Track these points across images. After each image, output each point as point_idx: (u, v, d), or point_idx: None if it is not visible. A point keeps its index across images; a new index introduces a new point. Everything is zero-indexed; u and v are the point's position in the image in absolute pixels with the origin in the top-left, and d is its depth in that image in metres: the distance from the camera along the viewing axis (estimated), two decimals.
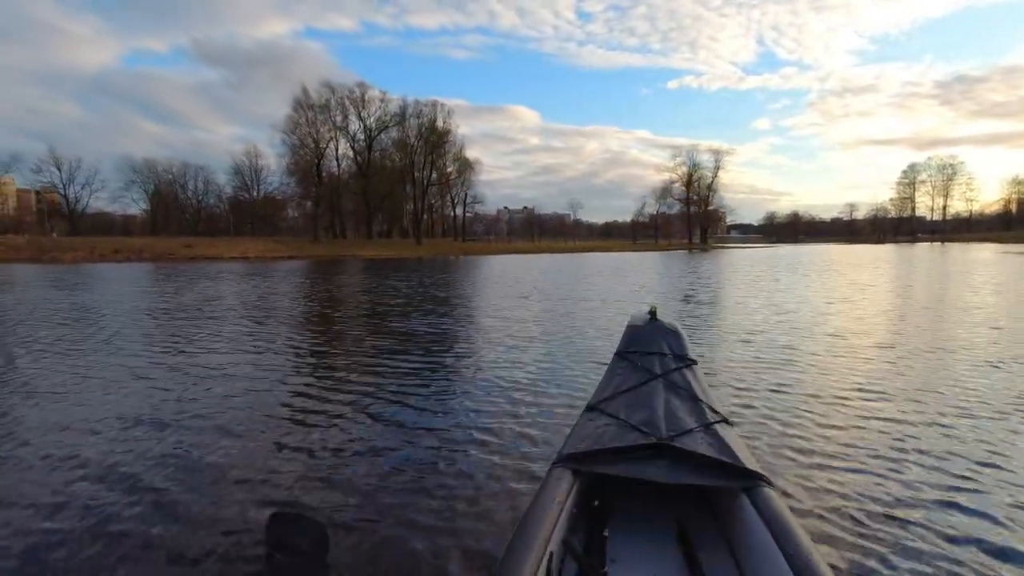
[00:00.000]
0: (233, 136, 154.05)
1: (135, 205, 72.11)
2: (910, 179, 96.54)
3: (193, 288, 15.61)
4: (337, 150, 67.10)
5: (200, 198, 75.93)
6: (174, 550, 2.30)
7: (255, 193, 72.73)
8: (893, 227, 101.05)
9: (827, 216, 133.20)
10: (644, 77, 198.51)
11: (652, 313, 2.92)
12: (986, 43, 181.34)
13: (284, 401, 4.44)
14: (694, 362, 2.56)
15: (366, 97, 67.14)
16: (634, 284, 15.68)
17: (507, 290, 14.47)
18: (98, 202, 70.90)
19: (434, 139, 69.07)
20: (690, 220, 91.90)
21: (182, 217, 73.25)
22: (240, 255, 44.59)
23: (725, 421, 2.10)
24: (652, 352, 2.59)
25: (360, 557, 2.22)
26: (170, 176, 72.39)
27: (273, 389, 4.78)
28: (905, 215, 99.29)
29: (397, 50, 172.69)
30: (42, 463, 3.21)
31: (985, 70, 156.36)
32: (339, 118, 65.83)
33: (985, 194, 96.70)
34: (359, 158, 68.53)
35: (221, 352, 6.39)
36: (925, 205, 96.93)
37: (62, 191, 65.02)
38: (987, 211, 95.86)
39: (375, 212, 71.85)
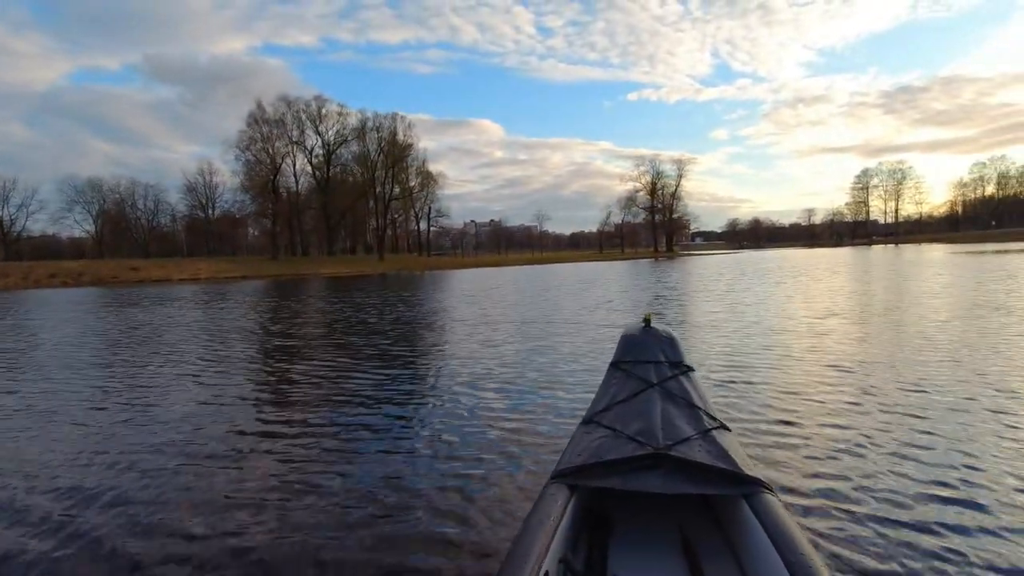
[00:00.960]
0: (192, 154, 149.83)
1: (78, 227, 68.43)
2: (863, 183, 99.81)
3: (119, 314, 14.02)
4: (295, 165, 65.18)
5: (150, 218, 72.67)
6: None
7: (210, 212, 70.00)
8: (850, 231, 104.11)
9: (786, 222, 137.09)
10: (605, 90, 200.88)
11: (646, 321, 2.81)
12: (926, 55, 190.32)
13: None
14: (691, 368, 2.50)
15: (323, 111, 65.61)
16: (596, 299, 14.60)
17: (453, 314, 13.35)
18: (37, 224, 67.12)
19: (395, 152, 67.61)
20: (655, 228, 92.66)
21: (131, 238, 69.75)
22: (191, 276, 42.36)
23: (723, 427, 2.06)
24: (647, 361, 2.53)
25: None
26: (117, 196, 69.04)
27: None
28: (860, 219, 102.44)
29: (360, 65, 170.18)
30: None
31: (926, 81, 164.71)
32: (295, 133, 64.02)
33: (932, 197, 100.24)
34: (317, 173, 66.64)
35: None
36: (878, 209, 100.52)
37: None
38: (935, 213, 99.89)
39: (337, 228, 69.91)
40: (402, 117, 69.07)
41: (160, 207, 72.29)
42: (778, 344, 6.68)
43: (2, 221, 61.07)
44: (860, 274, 19.23)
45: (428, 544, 2.35)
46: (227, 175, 65.95)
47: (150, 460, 3.49)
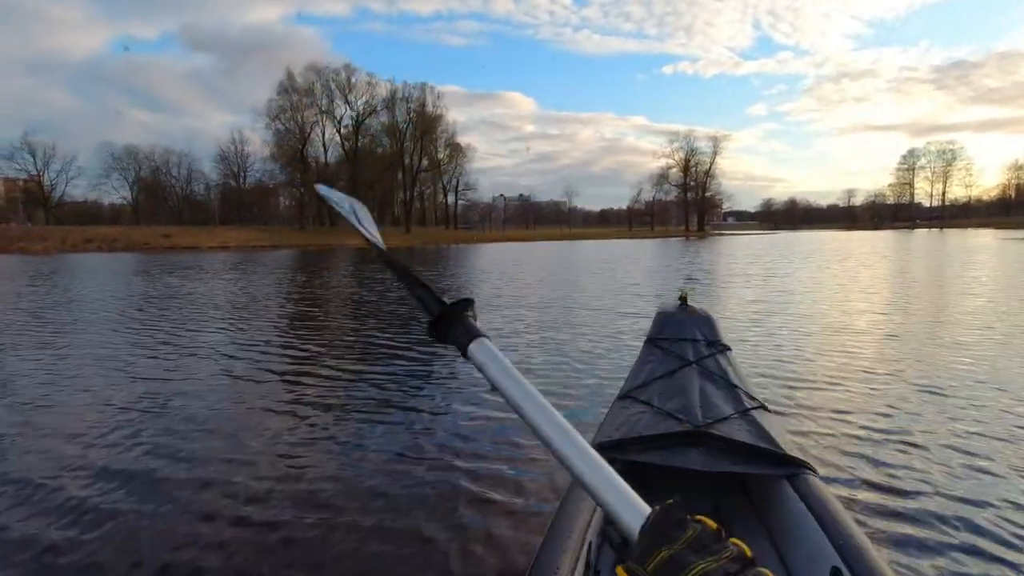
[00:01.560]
0: (226, 124, 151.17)
1: (115, 193, 69.80)
2: (909, 164, 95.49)
3: (154, 279, 14.00)
4: (324, 135, 64.94)
5: (184, 186, 73.64)
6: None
7: (241, 181, 70.51)
8: (891, 213, 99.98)
9: (824, 203, 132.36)
10: (640, 63, 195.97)
11: (683, 299, 2.76)
12: (982, 28, 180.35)
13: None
14: (728, 348, 2.44)
15: (353, 80, 64.90)
16: (621, 282, 13.81)
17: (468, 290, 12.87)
18: (77, 190, 68.72)
19: (424, 123, 66.79)
20: (687, 206, 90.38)
21: (167, 206, 70.90)
22: (220, 245, 42.84)
23: (763, 407, 2.03)
24: (684, 338, 2.47)
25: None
26: (152, 163, 70.04)
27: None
28: (904, 201, 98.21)
29: (391, 36, 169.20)
30: None
31: (981, 55, 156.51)
32: (325, 102, 63.61)
33: (983, 180, 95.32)
34: (346, 144, 66.37)
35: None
36: (924, 191, 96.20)
37: (37, 178, 62.45)
38: (984, 197, 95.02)
39: (365, 200, 69.36)
40: (431, 88, 68.15)
41: (193, 175, 73.17)
42: (834, 347, 5.92)
43: (43, 186, 62.49)
44: (909, 260, 18.09)
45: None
46: (258, 144, 66.27)
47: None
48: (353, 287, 12.85)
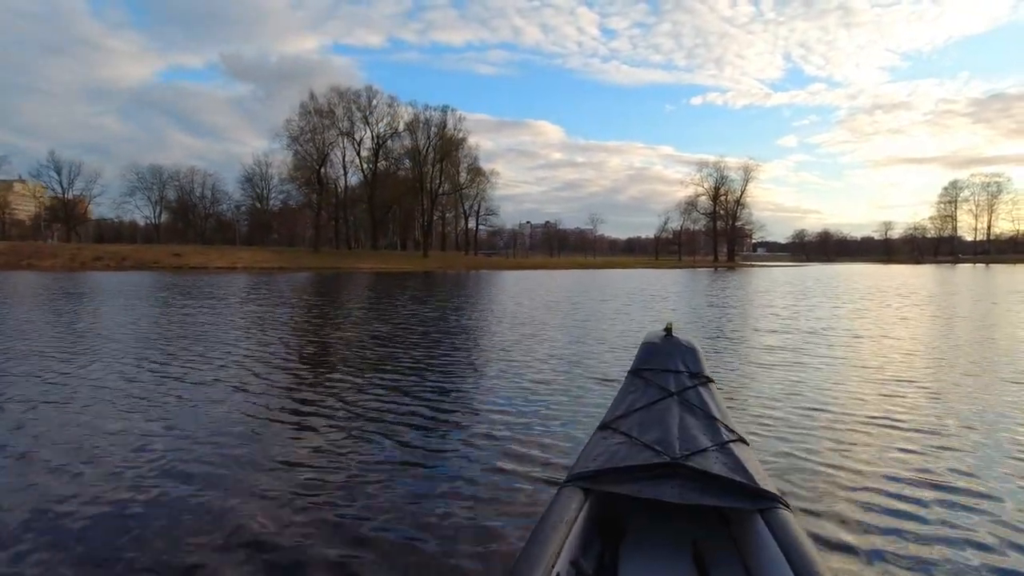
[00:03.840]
0: (263, 149, 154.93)
1: (138, 212, 70.23)
2: (952, 197, 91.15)
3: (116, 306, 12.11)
4: (344, 157, 64.35)
5: (208, 207, 73.78)
6: None
7: (265, 203, 70.29)
8: (932, 247, 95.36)
9: (858, 235, 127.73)
10: (668, 93, 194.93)
11: (668, 329, 2.71)
12: None
13: None
14: (710, 380, 2.43)
15: (374, 103, 64.42)
16: (620, 331, 11.51)
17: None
18: (101, 208, 69.32)
19: (445, 146, 65.77)
20: (716, 235, 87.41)
21: (189, 226, 70.96)
22: (228, 265, 41.66)
23: (741, 440, 2.01)
24: (667, 369, 2.45)
25: None
26: (177, 183, 70.40)
27: None
28: (945, 235, 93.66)
29: (423, 65, 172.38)
30: None
31: None
32: (345, 124, 63.09)
33: None
34: (366, 166, 65.66)
35: None
36: (967, 224, 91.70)
37: (61, 195, 62.98)
38: None
39: (384, 223, 68.88)
40: (453, 111, 67.11)
41: (219, 196, 73.37)
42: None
43: (67, 203, 62.95)
44: (961, 301, 15.18)
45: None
46: (278, 165, 66.07)
47: None
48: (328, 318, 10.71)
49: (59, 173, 61.42)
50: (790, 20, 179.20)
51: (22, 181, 70.03)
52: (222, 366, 6.08)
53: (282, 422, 4.05)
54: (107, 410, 4.32)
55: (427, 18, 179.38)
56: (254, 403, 4.55)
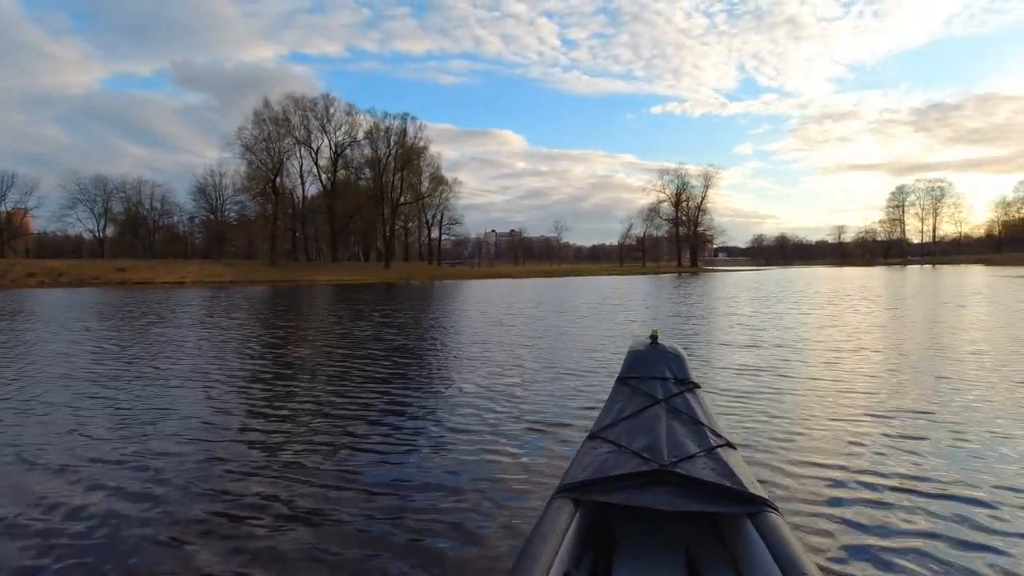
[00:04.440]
0: (218, 160, 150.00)
1: (81, 225, 66.42)
2: (899, 201, 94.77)
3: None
4: (301, 166, 62.45)
5: (158, 219, 70.47)
6: None
7: (220, 214, 67.52)
8: (882, 250, 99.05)
9: (813, 239, 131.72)
10: (629, 103, 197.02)
11: (653, 337, 2.71)
12: (961, 72, 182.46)
13: None
14: (697, 386, 2.43)
15: (331, 111, 62.83)
16: (589, 346, 10.90)
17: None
18: (39, 221, 65.37)
19: (405, 154, 64.54)
20: (679, 241, 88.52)
21: (138, 239, 67.46)
22: (176, 280, 39.55)
23: (728, 445, 2.02)
24: (653, 377, 2.45)
25: None
26: (123, 194, 66.96)
27: None
28: (894, 238, 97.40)
29: (384, 75, 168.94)
30: None
31: (960, 98, 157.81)
32: (302, 132, 61.28)
33: (972, 217, 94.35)
34: (324, 176, 63.90)
35: None
36: (914, 228, 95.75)
37: None
38: (973, 234, 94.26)
39: (344, 234, 67.09)
40: (413, 119, 65.88)
41: (170, 208, 70.15)
42: None
43: None
44: (914, 301, 15.17)
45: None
46: (231, 175, 63.55)
47: None
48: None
49: None
50: (743, 32, 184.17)
51: None
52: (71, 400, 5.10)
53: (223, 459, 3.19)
54: None
55: (387, 27, 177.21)
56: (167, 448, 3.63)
